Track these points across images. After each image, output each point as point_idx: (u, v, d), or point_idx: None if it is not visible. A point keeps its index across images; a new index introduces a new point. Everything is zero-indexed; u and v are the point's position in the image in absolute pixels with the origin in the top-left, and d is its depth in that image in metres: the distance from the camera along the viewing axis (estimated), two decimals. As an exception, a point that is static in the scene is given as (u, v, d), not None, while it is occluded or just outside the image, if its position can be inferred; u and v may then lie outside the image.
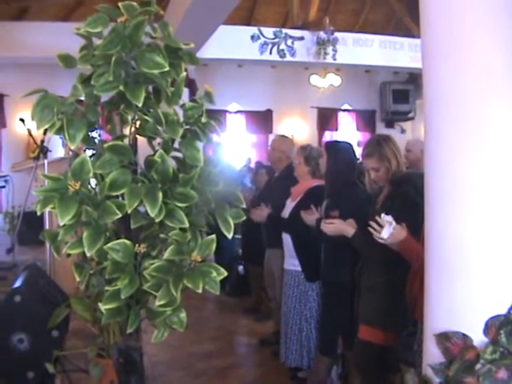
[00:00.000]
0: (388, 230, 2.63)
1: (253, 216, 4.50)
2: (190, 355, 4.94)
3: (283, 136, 5.41)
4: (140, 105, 2.29)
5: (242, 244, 7.02)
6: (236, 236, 6.10)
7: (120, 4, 2.36)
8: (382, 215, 2.67)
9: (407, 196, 2.95)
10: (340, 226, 3.19)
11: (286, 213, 4.25)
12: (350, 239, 3.16)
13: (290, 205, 4.26)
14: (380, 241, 2.68)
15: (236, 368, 4.77)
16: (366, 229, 2.79)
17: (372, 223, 2.69)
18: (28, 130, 5.24)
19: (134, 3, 2.39)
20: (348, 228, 3.15)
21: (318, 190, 4.02)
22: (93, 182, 2.47)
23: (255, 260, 5.87)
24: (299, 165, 4.24)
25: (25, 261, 6.42)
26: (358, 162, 4.06)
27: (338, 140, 4.28)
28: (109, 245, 2.30)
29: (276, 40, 10.56)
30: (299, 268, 4.08)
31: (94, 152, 2.61)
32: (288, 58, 10.67)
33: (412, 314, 2.56)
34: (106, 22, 2.36)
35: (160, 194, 2.29)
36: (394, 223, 2.64)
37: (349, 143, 3.99)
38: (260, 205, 4.60)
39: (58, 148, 7.86)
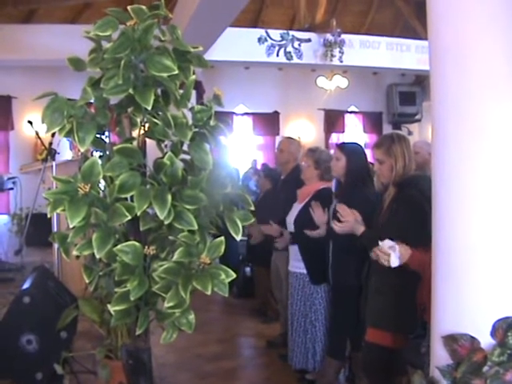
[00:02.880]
0: (395, 255, 2.57)
1: (277, 245, 4.38)
2: (197, 357, 4.94)
3: (291, 138, 5.39)
4: (149, 108, 2.31)
5: (248, 246, 7.00)
6: (242, 238, 6.03)
7: (129, 7, 2.38)
8: (380, 243, 2.61)
9: (412, 199, 2.94)
10: (352, 224, 3.18)
11: (292, 215, 4.24)
12: (358, 237, 3.15)
13: (296, 207, 4.24)
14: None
15: (243, 370, 4.77)
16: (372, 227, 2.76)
17: (377, 252, 2.66)
18: (36, 132, 5.27)
19: (143, 7, 2.41)
20: (359, 226, 3.15)
21: (325, 193, 4.01)
22: (102, 184, 2.49)
23: (262, 262, 5.87)
24: (308, 168, 4.21)
25: (33, 262, 6.46)
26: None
27: (351, 142, 4.23)
28: (118, 247, 2.32)
29: (283, 42, 10.59)
30: (304, 271, 4.07)
31: (101, 154, 2.63)
32: (295, 60, 10.70)
33: (420, 318, 2.56)
34: (115, 26, 2.37)
35: (169, 197, 2.30)
36: (395, 246, 2.58)
37: (360, 145, 3.98)
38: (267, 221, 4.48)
39: (65, 150, 7.91)
